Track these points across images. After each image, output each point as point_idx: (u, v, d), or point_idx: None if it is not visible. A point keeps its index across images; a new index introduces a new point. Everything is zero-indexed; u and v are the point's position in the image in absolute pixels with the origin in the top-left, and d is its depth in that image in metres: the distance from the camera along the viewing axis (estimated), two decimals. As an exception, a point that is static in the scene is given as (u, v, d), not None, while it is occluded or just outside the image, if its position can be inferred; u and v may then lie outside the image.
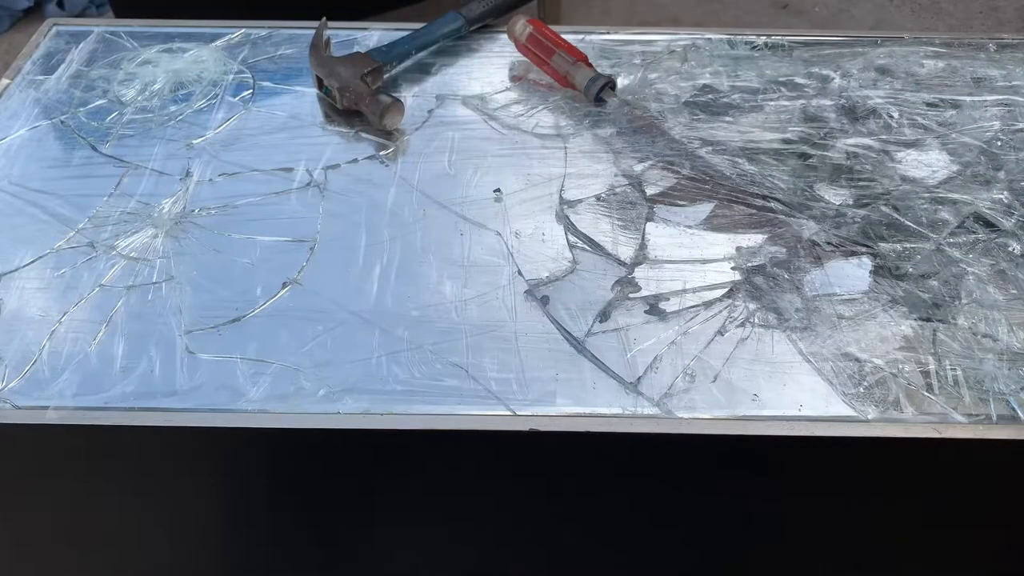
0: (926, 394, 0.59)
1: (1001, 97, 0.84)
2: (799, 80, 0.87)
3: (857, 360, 0.61)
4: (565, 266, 0.68)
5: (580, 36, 0.93)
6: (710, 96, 0.85)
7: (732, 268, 0.68)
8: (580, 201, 0.73)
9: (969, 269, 0.67)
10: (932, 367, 0.61)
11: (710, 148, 0.78)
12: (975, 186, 0.75)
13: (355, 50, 0.88)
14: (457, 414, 0.58)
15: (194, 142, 0.79)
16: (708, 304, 0.65)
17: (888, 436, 0.57)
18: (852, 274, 0.67)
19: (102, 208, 0.72)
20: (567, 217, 0.72)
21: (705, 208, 0.73)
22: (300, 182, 0.75)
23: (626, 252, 0.69)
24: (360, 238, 0.70)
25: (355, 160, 0.77)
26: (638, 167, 0.76)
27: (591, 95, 0.83)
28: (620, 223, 0.71)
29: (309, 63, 0.85)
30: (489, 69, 0.89)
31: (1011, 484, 0.63)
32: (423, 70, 0.89)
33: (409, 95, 0.85)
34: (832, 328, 0.63)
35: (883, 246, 0.69)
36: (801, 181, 0.75)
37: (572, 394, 0.59)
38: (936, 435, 0.57)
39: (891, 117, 0.82)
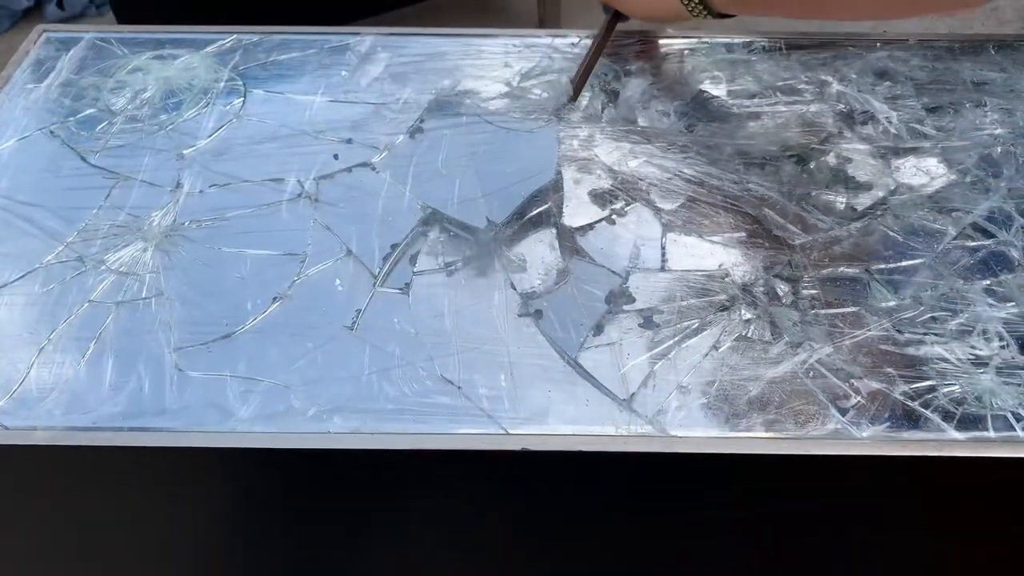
0: (923, 410, 0.58)
1: (1001, 101, 0.83)
2: (797, 84, 0.86)
3: (853, 375, 0.60)
4: (558, 277, 0.67)
5: (579, 37, 0.91)
6: (706, 100, 0.84)
7: (727, 279, 0.67)
8: (573, 208, 0.73)
9: (967, 280, 0.67)
10: (930, 382, 0.60)
11: (705, 154, 0.78)
12: (974, 194, 0.74)
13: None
14: (448, 433, 0.57)
15: (184, 152, 0.78)
16: (703, 317, 0.64)
17: (885, 454, 0.56)
18: (848, 286, 0.66)
19: (91, 221, 0.71)
20: (559, 225, 0.71)
21: (700, 216, 0.72)
22: (291, 193, 0.74)
23: (620, 262, 0.68)
24: (351, 250, 0.69)
25: (348, 169, 0.76)
26: (631, 168, 0.76)
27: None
28: (614, 231, 0.71)
29: None
30: (482, 70, 0.88)
31: (1010, 502, 0.62)
32: (414, 71, 0.88)
33: (400, 98, 0.84)
34: (828, 342, 0.62)
35: (880, 257, 0.69)
36: (798, 188, 0.74)
37: (564, 412, 0.59)
38: (934, 453, 0.56)
39: (889, 122, 0.82)
